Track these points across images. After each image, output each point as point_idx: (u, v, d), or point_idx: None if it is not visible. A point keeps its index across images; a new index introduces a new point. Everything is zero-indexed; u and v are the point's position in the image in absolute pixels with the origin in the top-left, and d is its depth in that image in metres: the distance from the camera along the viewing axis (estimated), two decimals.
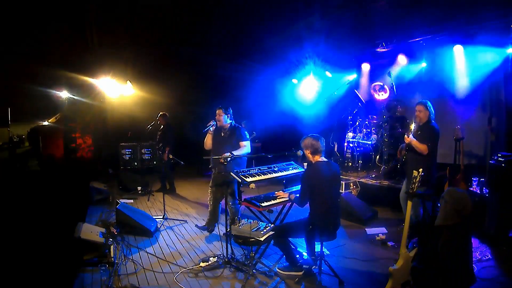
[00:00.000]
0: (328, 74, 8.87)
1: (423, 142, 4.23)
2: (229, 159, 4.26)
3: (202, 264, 3.81)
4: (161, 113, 7.33)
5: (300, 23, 7.70)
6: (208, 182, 4.87)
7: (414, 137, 4.34)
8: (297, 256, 3.74)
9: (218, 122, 4.67)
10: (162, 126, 7.29)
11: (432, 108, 4.36)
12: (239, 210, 4.62)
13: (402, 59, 7.17)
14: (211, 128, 4.70)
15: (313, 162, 3.48)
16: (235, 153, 4.36)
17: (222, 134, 4.69)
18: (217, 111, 4.66)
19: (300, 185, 3.52)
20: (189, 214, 5.92)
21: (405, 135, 4.39)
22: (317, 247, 3.65)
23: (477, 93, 6.27)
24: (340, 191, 5.41)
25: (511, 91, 5.74)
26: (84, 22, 7.36)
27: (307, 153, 3.51)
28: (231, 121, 4.71)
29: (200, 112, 11.05)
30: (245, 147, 4.56)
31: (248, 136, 4.69)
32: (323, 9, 6.82)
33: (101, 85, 8.91)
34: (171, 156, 6.96)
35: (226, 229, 3.90)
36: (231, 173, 4.02)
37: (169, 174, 7.57)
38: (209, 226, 4.92)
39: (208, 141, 4.80)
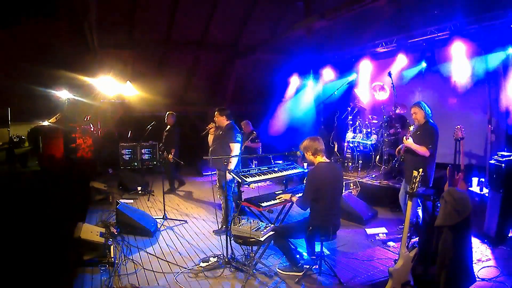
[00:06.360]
0: (328, 74, 8.87)
1: (423, 143, 4.26)
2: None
3: (202, 264, 3.82)
4: (168, 112, 7.26)
5: (299, 24, 7.68)
6: (207, 183, 4.88)
7: (412, 137, 4.36)
8: (297, 256, 3.74)
9: (216, 123, 4.96)
10: (168, 126, 7.24)
11: (427, 108, 4.43)
12: (231, 208, 4.67)
13: (402, 59, 7.16)
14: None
15: (316, 163, 3.47)
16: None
17: (220, 133, 4.95)
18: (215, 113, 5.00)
19: (302, 187, 3.51)
20: (189, 214, 5.92)
21: (404, 137, 4.41)
22: (317, 247, 3.66)
23: (477, 93, 6.27)
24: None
25: (511, 91, 5.74)
26: (84, 22, 7.34)
27: (308, 155, 3.50)
28: (228, 121, 4.90)
29: (199, 112, 11.09)
30: (234, 150, 4.70)
31: (238, 138, 4.80)
32: (322, 9, 6.80)
33: (101, 85, 8.91)
34: (175, 157, 6.93)
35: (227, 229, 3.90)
36: (231, 173, 4.02)
37: (173, 174, 7.54)
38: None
39: (209, 140, 5.10)
